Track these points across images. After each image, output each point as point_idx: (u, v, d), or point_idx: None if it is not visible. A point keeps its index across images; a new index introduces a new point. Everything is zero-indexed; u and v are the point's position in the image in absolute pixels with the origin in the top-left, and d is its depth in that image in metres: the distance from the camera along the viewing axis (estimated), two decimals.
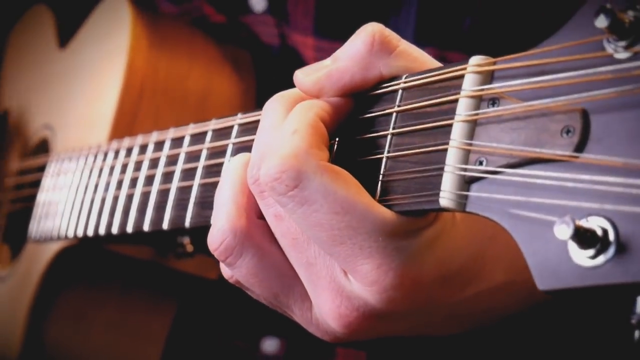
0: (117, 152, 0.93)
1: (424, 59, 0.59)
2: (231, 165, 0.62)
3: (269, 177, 0.54)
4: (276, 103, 0.60)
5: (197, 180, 0.76)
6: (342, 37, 0.62)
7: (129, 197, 0.87)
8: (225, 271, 0.63)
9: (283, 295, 0.61)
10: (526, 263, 0.48)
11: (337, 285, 0.57)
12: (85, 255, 1.02)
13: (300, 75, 0.60)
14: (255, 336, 1.03)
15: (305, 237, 0.57)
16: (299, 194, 0.54)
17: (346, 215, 0.54)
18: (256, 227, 0.60)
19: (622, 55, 0.46)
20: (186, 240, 0.96)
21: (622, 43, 0.46)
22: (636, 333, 0.47)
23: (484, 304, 0.67)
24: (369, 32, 0.58)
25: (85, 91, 1.11)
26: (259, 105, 0.81)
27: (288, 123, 0.56)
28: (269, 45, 1.02)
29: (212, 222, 0.61)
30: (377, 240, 0.54)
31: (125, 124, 1.00)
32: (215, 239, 0.60)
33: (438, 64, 0.58)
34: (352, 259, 0.55)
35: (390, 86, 0.58)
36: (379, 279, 0.55)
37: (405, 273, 0.55)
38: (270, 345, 1.03)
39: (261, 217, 0.60)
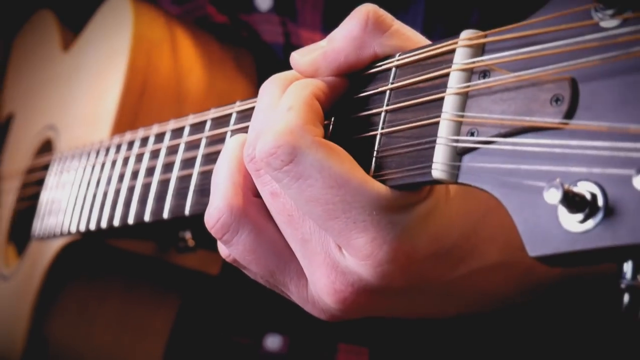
0: (118, 147, 0.94)
1: (418, 39, 0.60)
2: (228, 145, 0.63)
3: (265, 152, 0.55)
4: (272, 84, 0.61)
5: (196, 169, 0.77)
6: None
7: (130, 189, 0.88)
8: (223, 250, 0.64)
9: (279, 273, 0.62)
10: (519, 240, 0.49)
11: (332, 260, 0.58)
12: (87, 251, 1.02)
13: (297, 56, 0.61)
14: (258, 333, 1.03)
15: (300, 214, 0.58)
16: (294, 168, 0.54)
17: (340, 189, 0.54)
18: (252, 205, 0.61)
19: (608, 23, 0.47)
20: (187, 234, 0.97)
21: (609, 11, 0.47)
22: (625, 297, 0.47)
23: (478, 285, 0.67)
24: (363, 12, 0.59)
25: (88, 91, 1.12)
26: None
27: (283, 101, 0.57)
28: (272, 44, 1.04)
29: (209, 201, 0.62)
30: (371, 214, 0.55)
31: (127, 122, 1.01)
32: (212, 217, 0.61)
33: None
34: (347, 233, 0.55)
35: (384, 64, 0.59)
36: (373, 253, 0.56)
37: (399, 247, 0.56)
38: (273, 342, 1.03)
39: (257, 195, 0.61)
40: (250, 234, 0.60)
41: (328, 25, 0.98)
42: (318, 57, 0.60)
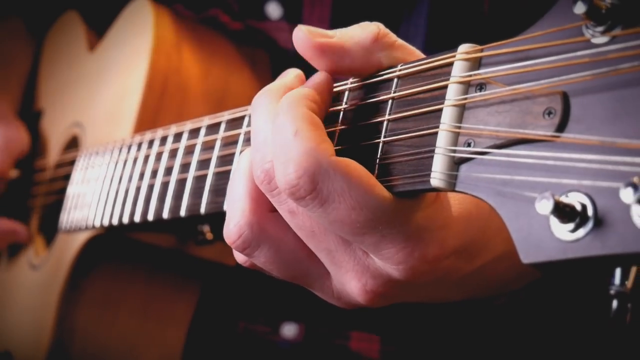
0: (139, 145, 0.97)
1: (418, 54, 0.62)
2: (242, 161, 0.63)
3: (287, 184, 0.55)
4: (264, 98, 0.61)
5: (211, 169, 0.80)
6: None
7: (150, 187, 0.91)
8: (239, 257, 0.65)
9: (301, 278, 0.64)
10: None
11: (361, 266, 0.60)
12: (111, 244, 1.06)
13: (307, 34, 0.60)
14: (275, 321, 1.07)
15: (323, 229, 0.59)
16: (318, 196, 0.55)
17: (363, 209, 0.56)
18: (270, 220, 0.62)
19: (599, 40, 0.49)
20: (206, 228, 1.00)
21: (600, 28, 0.49)
22: (614, 303, 0.49)
23: (486, 274, 0.70)
24: (374, 25, 0.61)
25: (112, 90, 1.16)
26: None
27: (284, 126, 0.56)
28: (285, 49, 1.06)
29: (227, 216, 0.63)
30: (396, 226, 0.57)
31: (149, 120, 1.05)
32: (233, 234, 0.62)
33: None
34: (376, 245, 0.57)
35: (386, 74, 0.61)
36: (404, 259, 0.58)
37: (428, 250, 0.58)
38: (289, 330, 1.06)
39: (274, 208, 0.62)
40: (270, 248, 0.62)
41: None
42: (327, 45, 0.60)
